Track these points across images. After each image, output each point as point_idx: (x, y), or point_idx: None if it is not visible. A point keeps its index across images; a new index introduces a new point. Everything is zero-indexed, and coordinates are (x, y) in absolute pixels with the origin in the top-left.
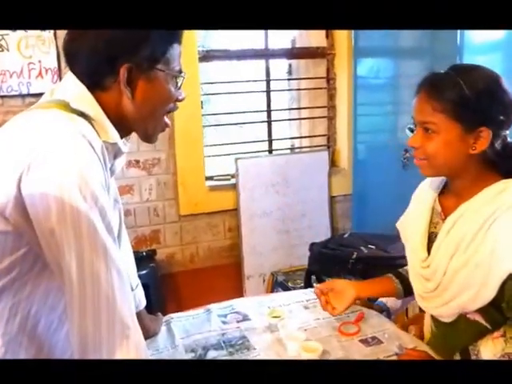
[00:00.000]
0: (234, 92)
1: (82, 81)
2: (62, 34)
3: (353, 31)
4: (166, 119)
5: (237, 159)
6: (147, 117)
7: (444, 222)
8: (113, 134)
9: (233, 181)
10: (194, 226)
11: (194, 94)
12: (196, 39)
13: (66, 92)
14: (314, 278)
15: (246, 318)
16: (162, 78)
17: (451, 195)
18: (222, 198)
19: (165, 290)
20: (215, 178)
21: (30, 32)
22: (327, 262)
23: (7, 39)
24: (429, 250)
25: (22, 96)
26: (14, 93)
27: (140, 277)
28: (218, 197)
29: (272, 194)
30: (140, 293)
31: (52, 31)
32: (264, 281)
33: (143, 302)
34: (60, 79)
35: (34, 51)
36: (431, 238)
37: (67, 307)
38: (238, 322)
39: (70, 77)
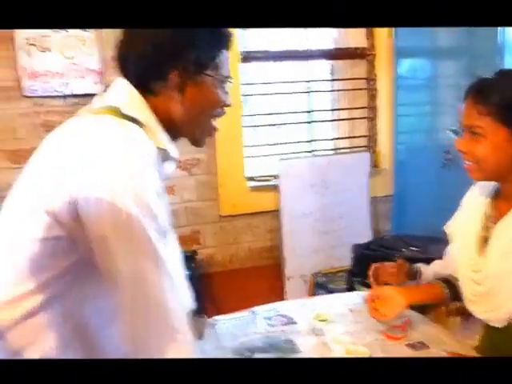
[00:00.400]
0: (273, 93)
1: (133, 85)
2: (104, 35)
3: (394, 31)
4: (214, 123)
5: (279, 160)
6: (195, 121)
7: (496, 226)
8: (163, 139)
9: (273, 181)
10: (234, 227)
11: (235, 95)
12: (237, 40)
13: (116, 97)
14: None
15: (291, 321)
16: (210, 83)
17: (502, 199)
18: (262, 198)
19: (204, 290)
20: (256, 178)
21: (72, 33)
22: (369, 264)
23: (49, 40)
24: (480, 254)
25: (64, 97)
26: (55, 93)
27: None
28: (259, 198)
29: (313, 195)
30: (187, 295)
31: (94, 33)
32: (305, 282)
33: (191, 305)
34: (102, 81)
35: (76, 52)
36: (483, 242)
37: (118, 310)
38: (283, 324)
39: (120, 82)
